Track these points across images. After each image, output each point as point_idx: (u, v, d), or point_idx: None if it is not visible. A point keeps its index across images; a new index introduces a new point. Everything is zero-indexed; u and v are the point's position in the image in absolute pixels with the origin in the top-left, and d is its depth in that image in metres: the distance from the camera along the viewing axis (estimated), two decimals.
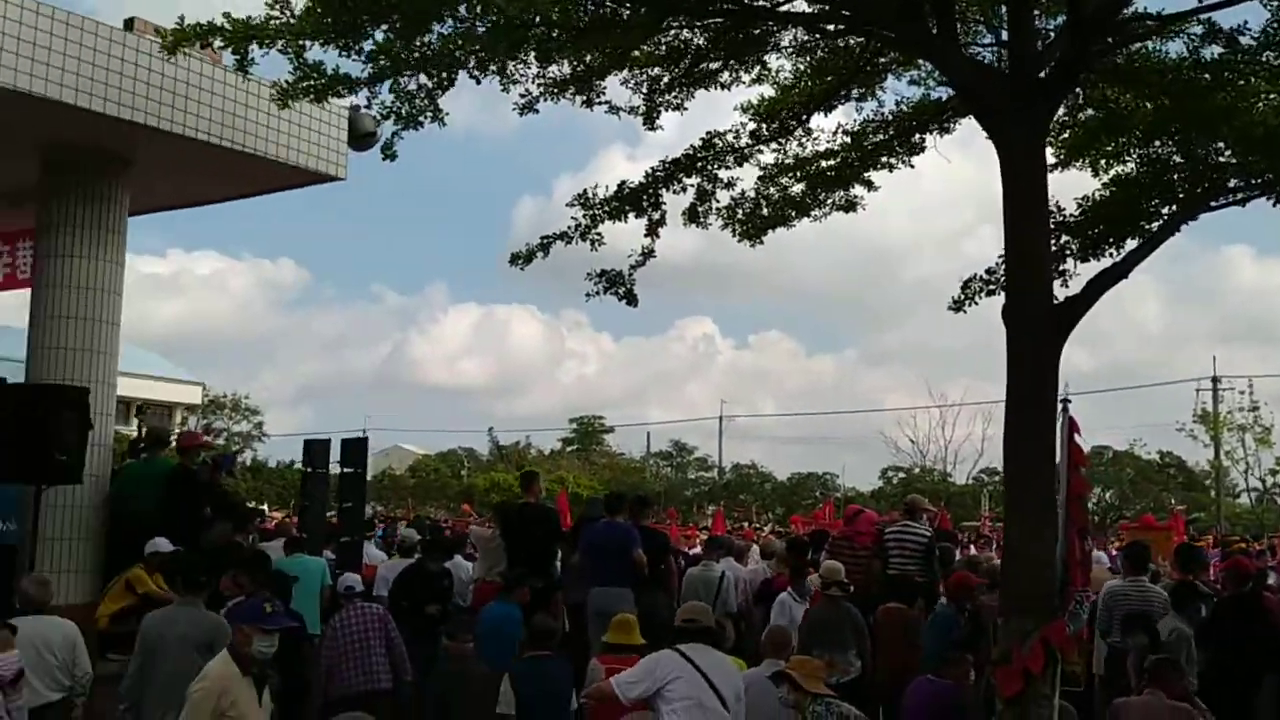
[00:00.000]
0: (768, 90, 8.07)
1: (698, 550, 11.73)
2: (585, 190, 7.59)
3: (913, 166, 8.43)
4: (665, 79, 7.46)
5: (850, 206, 8.56)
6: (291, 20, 5.62)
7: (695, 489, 57.04)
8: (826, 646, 7.36)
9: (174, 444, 9.59)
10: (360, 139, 9.80)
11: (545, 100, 7.20)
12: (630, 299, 7.62)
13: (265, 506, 28.30)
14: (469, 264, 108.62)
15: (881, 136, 8.20)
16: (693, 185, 7.94)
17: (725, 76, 7.71)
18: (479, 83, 6.72)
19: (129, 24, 8.61)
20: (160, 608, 8.01)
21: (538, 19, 5.96)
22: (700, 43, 7.24)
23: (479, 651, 6.72)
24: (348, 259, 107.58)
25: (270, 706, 5.36)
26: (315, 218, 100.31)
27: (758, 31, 7.21)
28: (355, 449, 10.67)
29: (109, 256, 8.92)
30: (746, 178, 8.21)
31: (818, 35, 7.46)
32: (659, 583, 8.96)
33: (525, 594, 7.82)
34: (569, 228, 7.66)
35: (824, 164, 8.24)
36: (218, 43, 5.99)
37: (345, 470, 10.68)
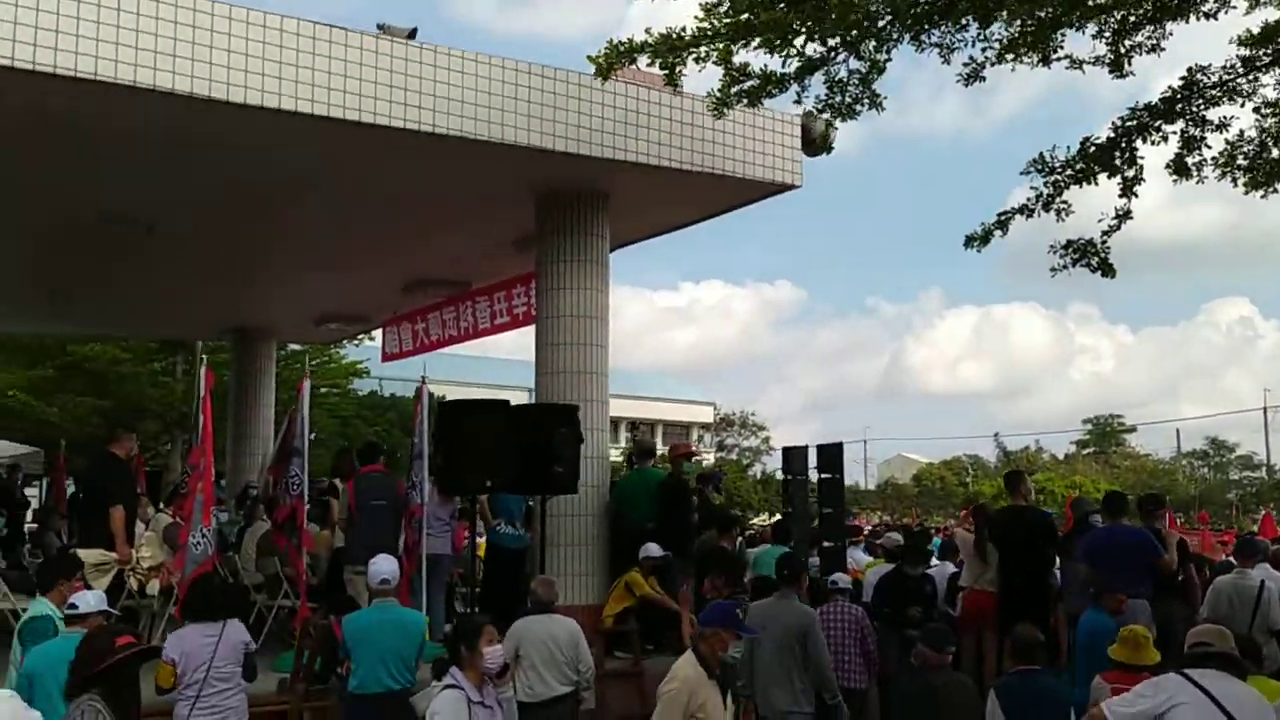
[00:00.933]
0: (1271, 13, 6.78)
1: (1225, 558, 10.12)
2: (1042, 153, 6.87)
3: None
4: (1133, 18, 6.53)
5: None
6: (719, 26, 5.68)
7: (1240, 490, 50.24)
8: None
9: (665, 454, 10.15)
10: (813, 144, 9.79)
11: (994, 65, 6.62)
12: (1106, 269, 6.76)
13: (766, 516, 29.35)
14: (962, 267, 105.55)
15: None
16: (1174, 133, 6.86)
17: (1211, 3, 6.58)
18: (920, 49, 6.33)
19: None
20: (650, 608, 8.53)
21: None
22: None
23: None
24: (840, 275, 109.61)
25: (733, 709, 5.35)
26: (811, 240, 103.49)
27: None
28: (831, 455, 10.61)
29: (595, 286, 9.70)
30: (1243, 118, 6.95)
31: None
32: (1177, 592, 7.83)
33: (1120, 601, 7.12)
34: (1028, 199, 6.97)
35: None
36: (643, 60, 6.24)
37: (823, 476, 10.65)
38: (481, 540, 10.07)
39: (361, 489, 9.01)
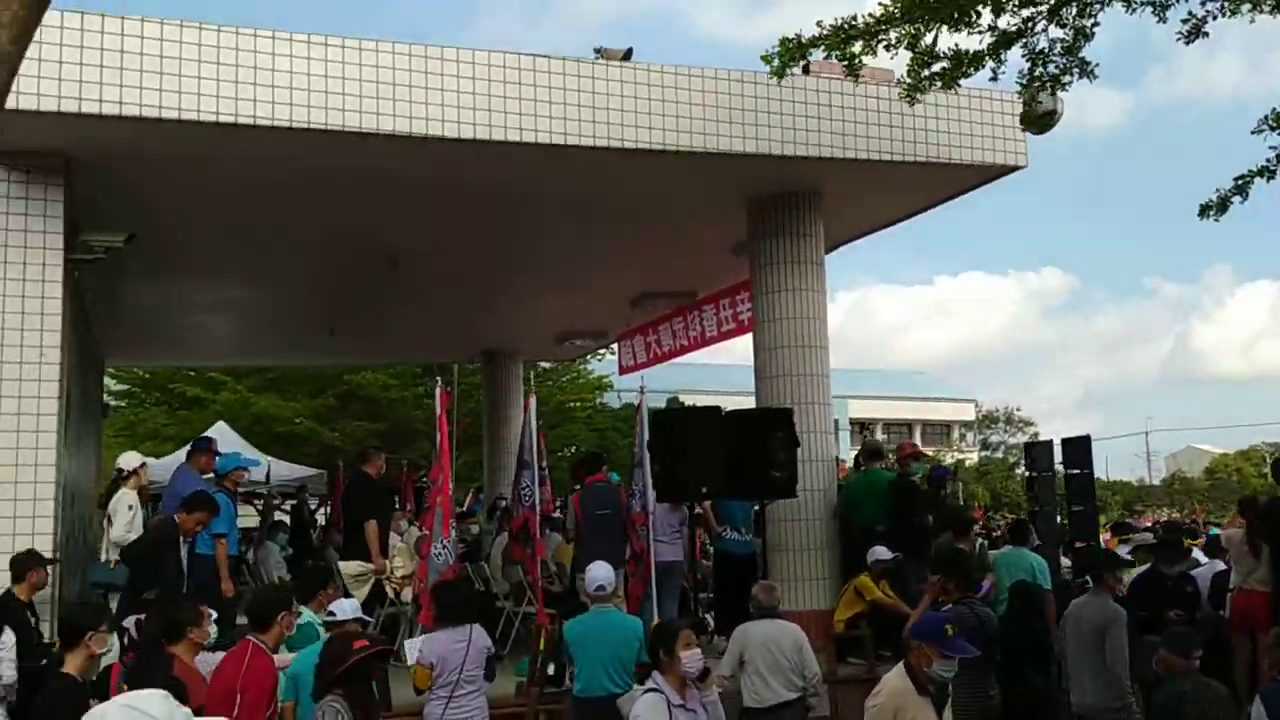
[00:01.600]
0: None
1: None
2: (1275, 109, 6.16)
3: None
4: None
5: None
6: (894, 10, 5.50)
7: None
8: None
9: (894, 456, 9.87)
10: (1039, 120, 9.25)
11: (1219, 17, 6.04)
12: None
13: None
14: (1255, 238, 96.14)
15: None
16: None
17: None
18: (1130, 9, 5.87)
19: (805, 69, 9.28)
20: (882, 613, 8.31)
21: None
22: None
23: None
24: (1113, 257, 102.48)
25: None
26: (1078, 223, 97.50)
27: None
28: (1078, 448, 9.94)
29: (811, 287, 9.59)
30: None
31: None
32: None
33: None
34: (1268, 160, 6.27)
35: None
36: (818, 53, 6.11)
37: (1070, 472, 10.00)
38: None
39: (587, 499, 9.31)
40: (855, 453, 10.85)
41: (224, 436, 17.33)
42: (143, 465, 8.31)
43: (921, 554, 8.97)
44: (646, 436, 8.25)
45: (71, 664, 5.11)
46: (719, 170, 8.90)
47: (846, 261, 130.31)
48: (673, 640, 5.00)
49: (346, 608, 6.38)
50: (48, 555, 7.05)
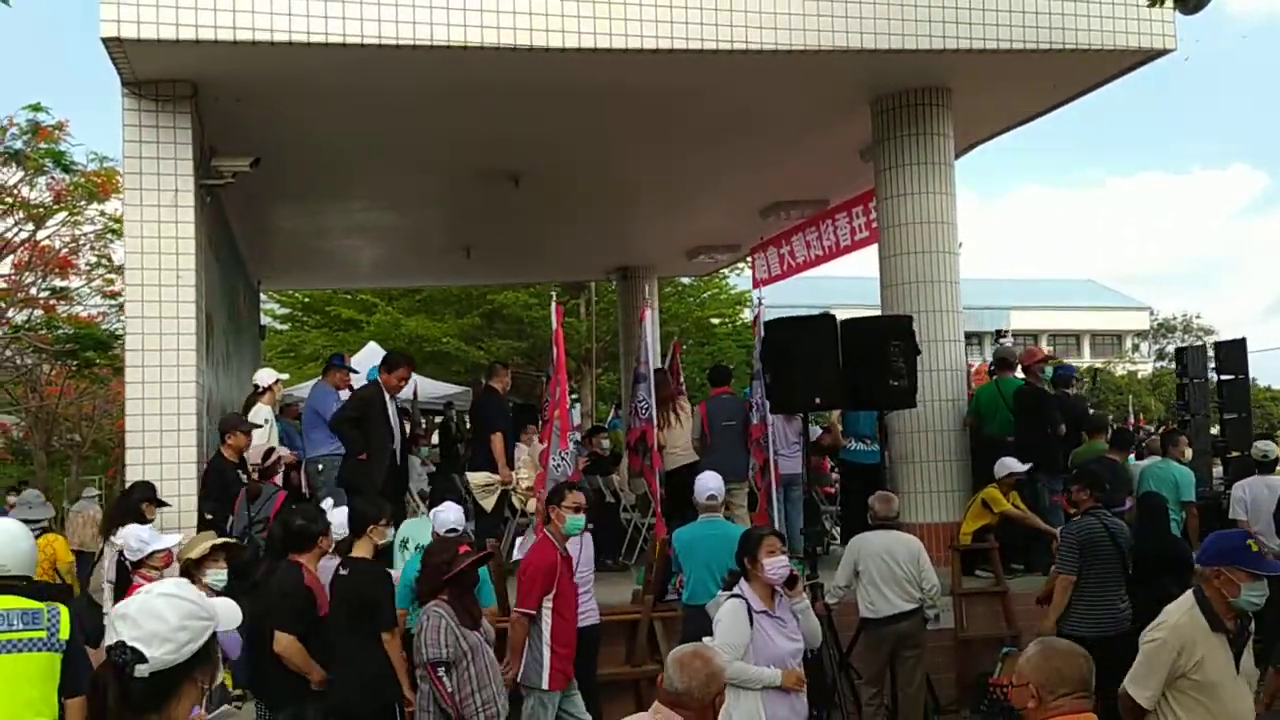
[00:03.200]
0: None
1: None
2: None
3: None
4: None
5: None
6: None
7: None
8: None
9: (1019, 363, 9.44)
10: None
11: None
12: None
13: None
14: None
15: None
16: None
17: None
18: None
19: None
20: (1012, 525, 8.04)
21: None
22: None
23: None
24: None
25: (1254, 673, 4.31)
26: (1269, 114, 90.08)
27: None
28: (1232, 353, 9.27)
29: (940, 189, 9.17)
30: None
31: None
32: None
33: None
34: None
35: None
36: None
37: (1223, 378, 9.35)
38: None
39: (713, 411, 9.30)
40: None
41: (375, 357, 18.07)
42: (276, 382, 8.68)
43: (1053, 464, 8.62)
44: (760, 349, 8.14)
45: (360, 551, 5.57)
46: (839, 68, 8.54)
47: (1007, 162, 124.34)
48: (756, 547, 4.96)
49: (450, 517, 6.48)
50: (191, 465, 7.53)
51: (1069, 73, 9.00)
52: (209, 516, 7.22)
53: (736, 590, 4.94)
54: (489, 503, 9.14)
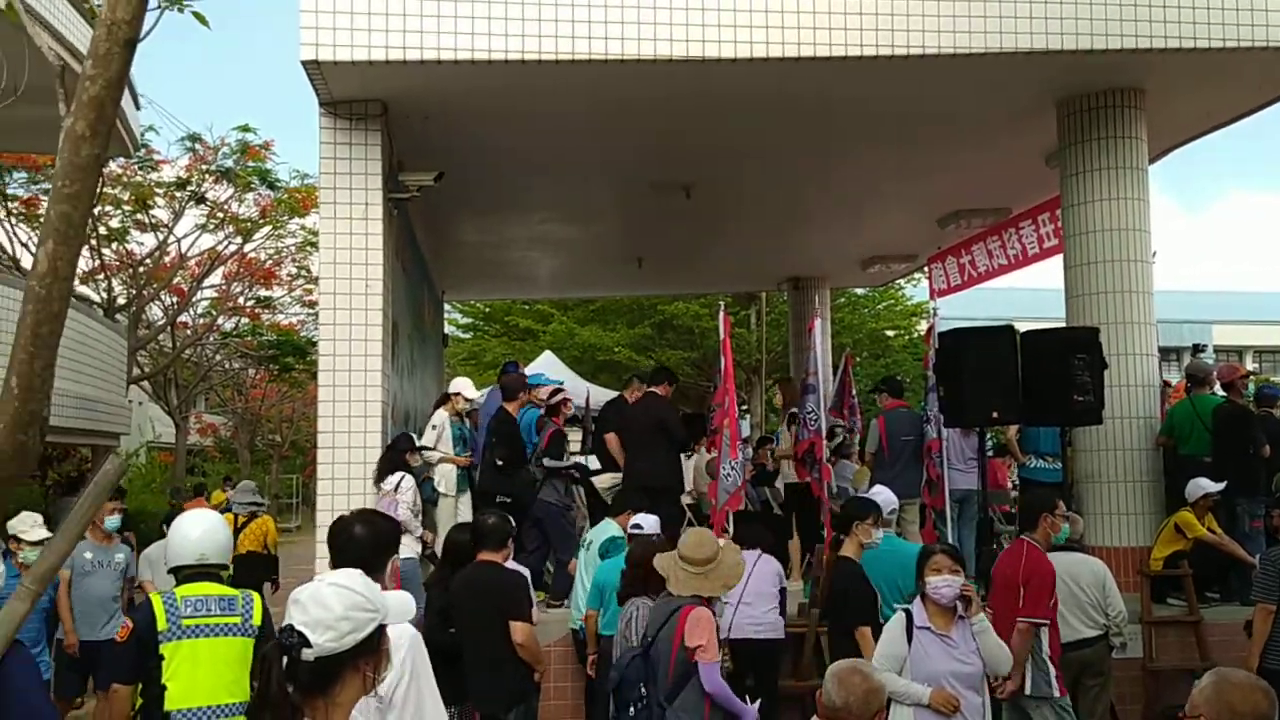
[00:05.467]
0: None
1: None
2: None
3: None
4: None
5: None
6: None
7: None
8: None
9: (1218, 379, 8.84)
10: None
11: None
12: None
13: None
14: None
15: None
16: None
17: None
18: None
19: None
20: (1208, 551, 7.55)
21: None
22: None
23: None
24: None
25: None
26: None
27: None
28: None
29: (1132, 195, 8.70)
30: None
31: None
32: None
33: None
34: None
35: None
36: None
37: None
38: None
39: (891, 425, 9.11)
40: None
41: (551, 365, 18.55)
42: (456, 394, 9.02)
43: (1254, 487, 8.04)
44: (935, 361, 7.92)
45: (849, 548, 6.04)
46: (1023, 71, 8.22)
47: (1213, 167, 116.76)
48: (923, 564, 4.84)
49: (651, 522, 6.68)
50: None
51: (1274, 72, 8.39)
52: (499, 462, 8.41)
53: (908, 606, 4.84)
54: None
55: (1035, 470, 9.10)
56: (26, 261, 20.01)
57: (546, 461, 8.58)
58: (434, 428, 8.58)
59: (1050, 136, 9.32)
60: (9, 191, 19.30)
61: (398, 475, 7.63)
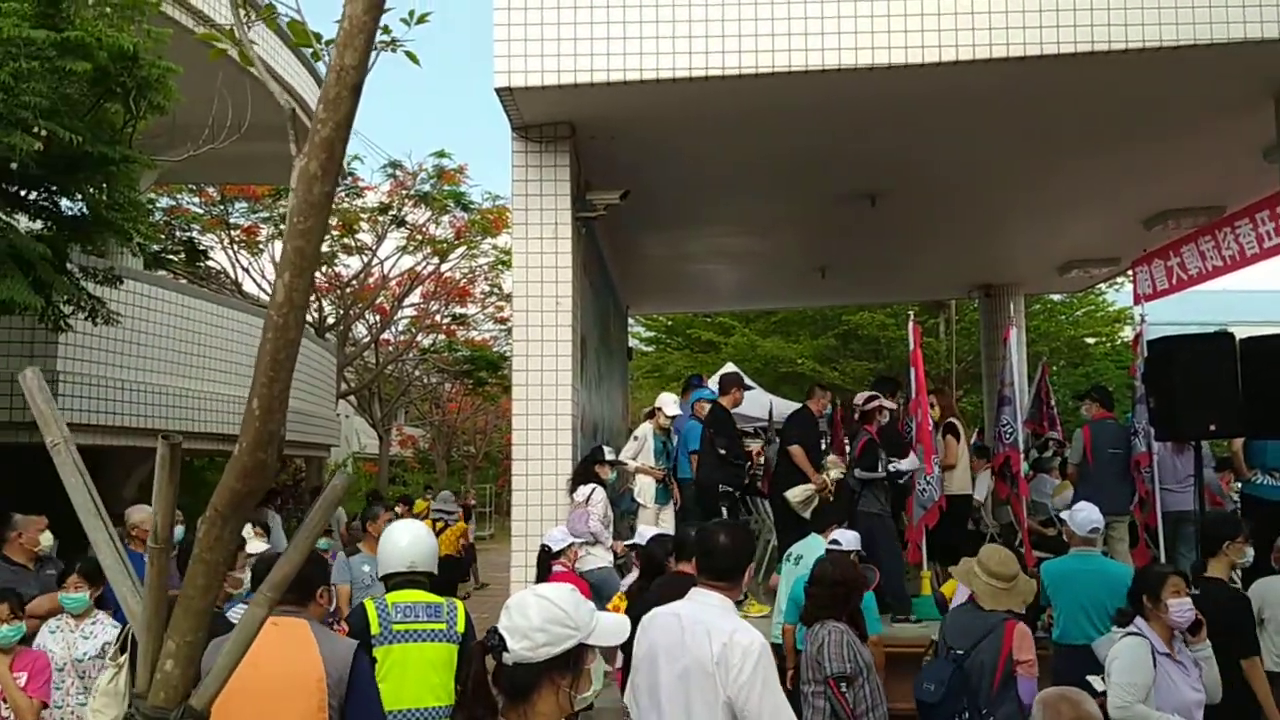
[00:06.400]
0: None
1: None
2: None
3: None
4: None
5: None
6: None
7: None
8: None
9: None
10: None
11: None
12: None
13: None
14: None
15: None
16: None
17: None
18: None
19: None
20: None
21: None
22: None
23: None
24: None
25: None
26: None
27: None
28: None
29: None
30: None
31: None
32: None
33: None
34: None
35: None
36: None
37: None
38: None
39: (1097, 436, 8.68)
40: None
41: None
42: (658, 408, 9.31)
43: None
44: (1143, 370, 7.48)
45: (1218, 569, 5.76)
46: (1238, 61, 7.69)
47: None
48: (1160, 585, 4.56)
49: (850, 538, 6.61)
50: (567, 477, 8.11)
51: None
52: (722, 451, 8.71)
53: (1134, 628, 4.56)
54: (808, 514, 9.06)
55: (1261, 487, 8.44)
56: (248, 285, 21.60)
57: (858, 472, 8.59)
58: (636, 439, 8.80)
59: (1268, 130, 8.69)
60: (232, 220, 20.85)
61: (589, 487, 7.86)
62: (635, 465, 8.64)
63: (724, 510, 8.97)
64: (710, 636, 3.21)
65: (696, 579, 3.51)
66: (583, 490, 7.84)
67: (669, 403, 9.26)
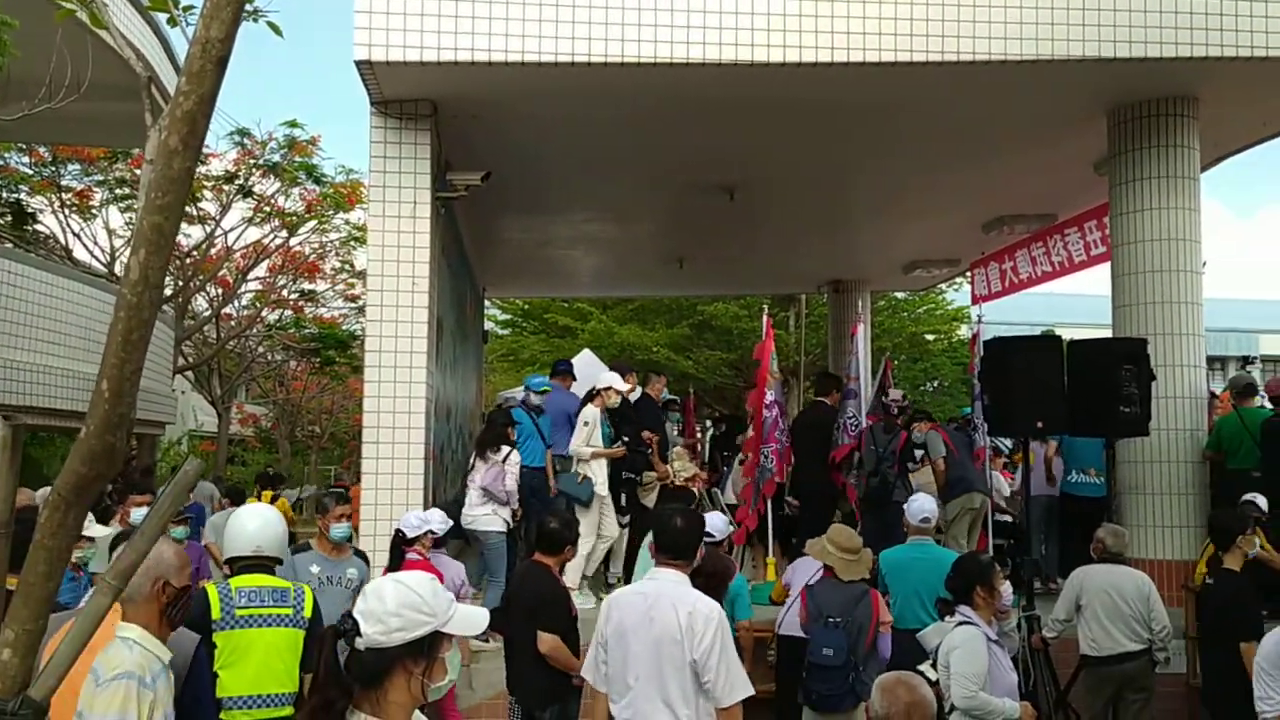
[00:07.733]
0: None
1: None
2: None
3: None
4: None
5: None
6: None
7: None
8: None
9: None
10: None
11: None
12: None
13: None
14: None
15: None
16: None
17: None
18: None
19: None
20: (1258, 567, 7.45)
21: None
22: None
23: None
24: None
25: None
26: None
27: None
28: None
29: (1183, 204, 8.60)
30: None
31: None
32: None
33: None
34: None
35: None
36: None
37: None
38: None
39: (953, 434, 9.09)
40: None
41: (590, 363, 18.59)
42: (608, 388, 8.78)
43: None
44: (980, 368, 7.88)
45: (1232, 560, 6.10)
46: (1074, 78, 8.16)
47: (1260, 171, 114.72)
48: (990, 573, 4.85)
49: (720, 525, 6.34)
50: (420, 461, 7.98)
51: None
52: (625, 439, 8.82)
53: (964, 617, 4.80)
54: (650, 500, 9.18)
55: (1076, 484, 9.03)
56: (79, 252, 20.41)
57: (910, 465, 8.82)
58: (585, 424, 8.45)
59: (1100, 143, 9.25)
60: (64, 183, 19.66)
61: (506, 448, 7.96)
62: (591, 451, 8.45)
63: (623, 496, 9.03)
64: (676, 608, 3.80)
65: (656, 558, 4.06)
66: (502, 450, 7.90)
67: (616, 380, 8.92)
